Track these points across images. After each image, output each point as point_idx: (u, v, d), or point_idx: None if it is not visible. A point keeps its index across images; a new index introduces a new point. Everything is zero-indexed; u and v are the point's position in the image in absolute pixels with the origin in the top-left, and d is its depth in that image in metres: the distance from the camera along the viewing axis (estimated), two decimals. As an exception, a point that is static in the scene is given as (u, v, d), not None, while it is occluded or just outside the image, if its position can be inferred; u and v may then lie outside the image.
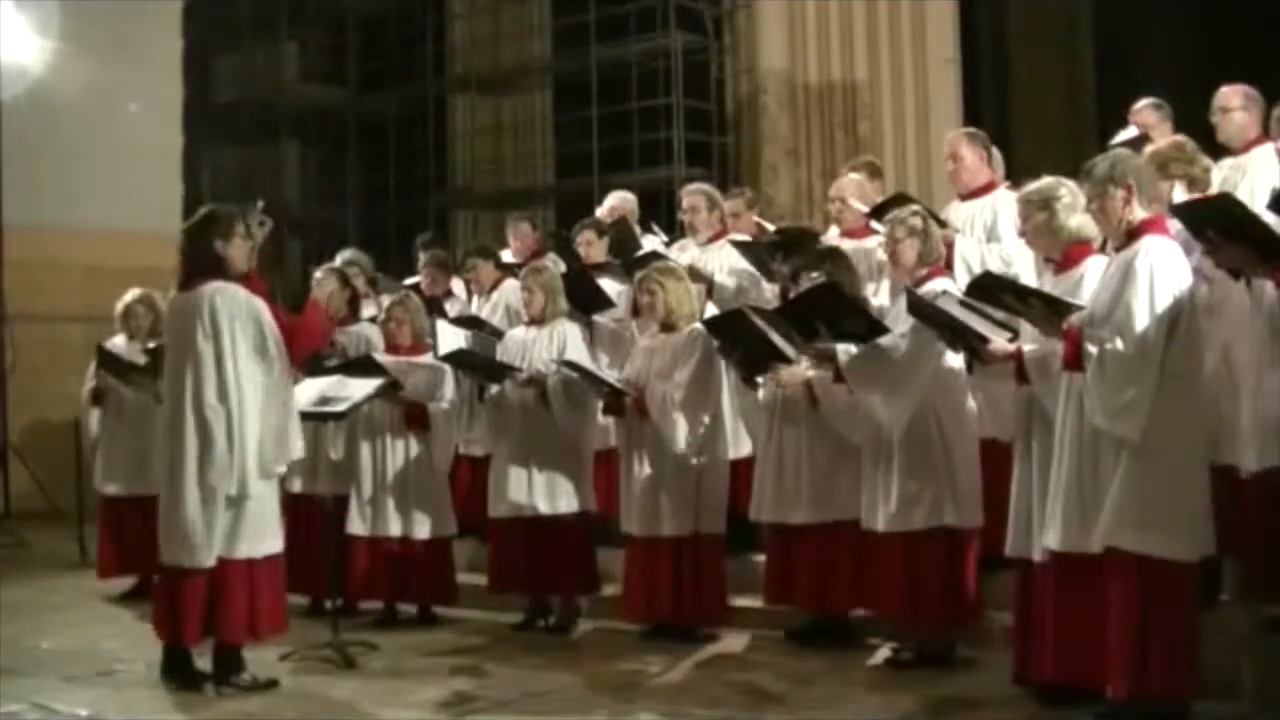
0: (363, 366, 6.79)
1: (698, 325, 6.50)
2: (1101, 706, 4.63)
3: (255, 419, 5.62)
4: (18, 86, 11.07)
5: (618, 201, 8.53)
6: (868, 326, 5.60)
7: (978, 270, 5.82)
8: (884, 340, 5.58)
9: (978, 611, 5.78)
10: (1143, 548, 4.45)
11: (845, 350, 5.65)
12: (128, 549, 7.80)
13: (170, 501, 5.65)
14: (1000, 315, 4.91)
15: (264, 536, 5.75)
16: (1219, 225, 4.56)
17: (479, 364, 6.99)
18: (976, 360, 5.07)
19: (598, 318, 7.54)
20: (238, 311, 5.63)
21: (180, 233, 5.90)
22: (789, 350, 5.99)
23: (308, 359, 7.20)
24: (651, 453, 6.50)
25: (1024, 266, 5.88)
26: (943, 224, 6.24)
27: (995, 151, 6.72)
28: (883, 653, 5.91)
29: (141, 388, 7.82)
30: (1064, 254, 4.92)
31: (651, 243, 8.17)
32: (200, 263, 5.74)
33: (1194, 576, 4.58)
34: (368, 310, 8.14)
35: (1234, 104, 6.03)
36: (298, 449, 5.87)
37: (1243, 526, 5.10)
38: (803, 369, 6.06)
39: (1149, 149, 5.65)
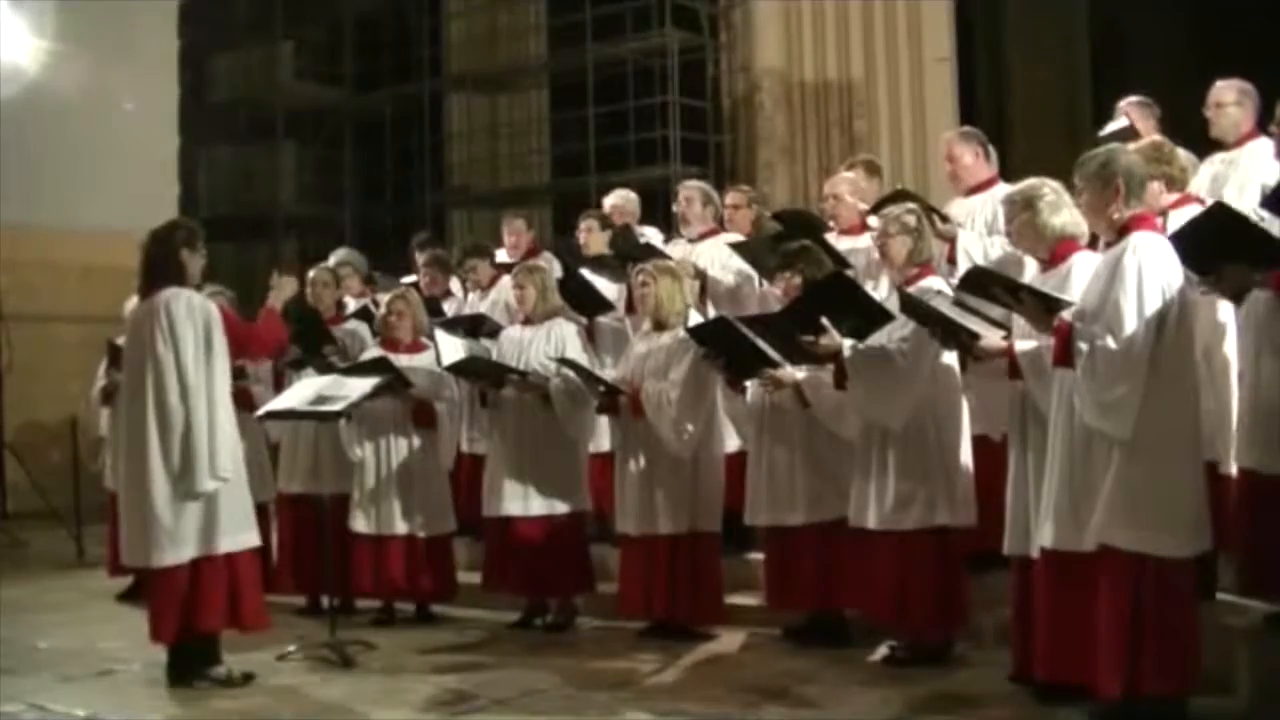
0: (374, 368, 6.78)
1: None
2: (1097, 705, 4.63)
3: (203, 421, 5.68)
4: (13, 87, 11.08)
5: (620, 200, 8.47)
6: (875, 314, 5.59)
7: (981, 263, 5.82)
8: (888, 344, 5.58)
9: (968, 610, 5.78)
10: (1137, 545, 4.45)
11: (851, 346, 5.66)
12: None
13: (137, 503, 5.71)
14: (997, 313, 4.91)
15: (241, 529, 5.82)
16: (1218, 239, 4.56)
17: (482, 370, 7.00)
18: (969, 357, 5.07)
19: (598, 318, 7.54)
20: (195, 315, 5.74)
21: (146, 240, 5.96)
22: (775, 355, 6.00)
23: (314, 359, 7.26)
24: (647, 452, 6.51)
25: (1026, 260, 5.88)
26: (945, 218, 6.25)
27: (991, 149, 6.73)
28: (881, 650, 5.91)
29: None
30: (1050, 251, 4.93)
31: (651, 235, 8.18)
32: (161, 271, 5.83)
33: (1190, 573, 4.57)
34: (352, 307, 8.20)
35: (1228, 99, 6.03)
36: (228, 456, 5.79)
37: (1225, 523, 5.12)
38: (791, 372, 6.07)
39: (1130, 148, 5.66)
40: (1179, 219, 5.19)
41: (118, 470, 7.93)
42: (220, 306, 6.10)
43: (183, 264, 5.84)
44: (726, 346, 6.12)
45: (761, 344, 5.98)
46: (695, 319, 6.61)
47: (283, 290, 6.57)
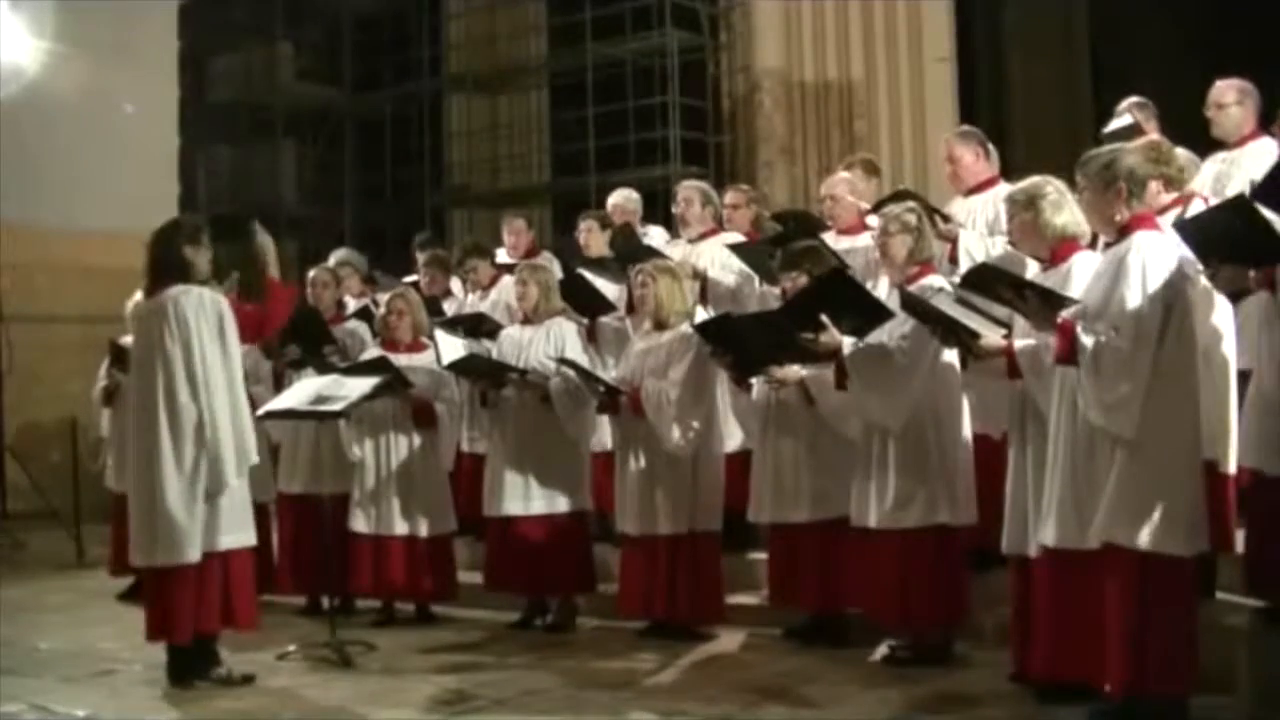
0: (373, 368, 6.78)
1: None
2: (1098, 703, 4.63)
3: (226, 415, 5.71)
4: (14, 87, 11.05)
5: (620, 200, 8.48)
6: (875, 312, 5.59)
7: None
8: (888, 342, 5.58)
9: (968, 609, 5.79)
10: (1139, 543, 4.45)
11: (851, 344, 5.65)
12: None
13: (147, 503, 5.70)
14: (1000, 312, 4.90)
15: (241, 528, 5.84)
16: (1223, 237, 4.55)
17: (483, 369, 7.00)
18: (970, 356, 5.07)
19: (600, 318, 7.53)
20: (204, 312, 5.74)
21: (149, 239, 5.97)
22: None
23: (314, 358, 7.27)
24: (647, 451, 6.50)
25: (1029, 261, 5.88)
26: (946, 218, 6.25)
27: (991, 148, 6.73)
28: (881, 650, 5.91)
29: None
30: (1051, 251, 4.93)
31: (656, 234, 8.18)
32: (166, 268, 5.83)
33: (1191, 571, 4.58)
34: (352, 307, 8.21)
35: (1229, 99, 6.04)
36: (253, 446, 5.90)
37: (1224, 523, 5.12)
38: (796, 369, 6.07)
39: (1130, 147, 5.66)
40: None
41: (124, 470, 8.02)
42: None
43: (187, 261, 5.83)
44: (732, 344, 6.12)
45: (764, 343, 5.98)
46: (700, 318, 6.60)
47: (268, 251, 6.59)
